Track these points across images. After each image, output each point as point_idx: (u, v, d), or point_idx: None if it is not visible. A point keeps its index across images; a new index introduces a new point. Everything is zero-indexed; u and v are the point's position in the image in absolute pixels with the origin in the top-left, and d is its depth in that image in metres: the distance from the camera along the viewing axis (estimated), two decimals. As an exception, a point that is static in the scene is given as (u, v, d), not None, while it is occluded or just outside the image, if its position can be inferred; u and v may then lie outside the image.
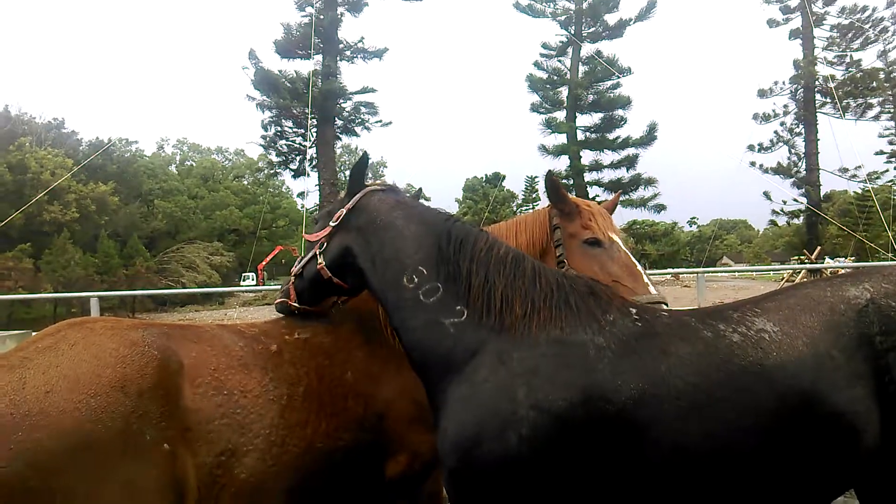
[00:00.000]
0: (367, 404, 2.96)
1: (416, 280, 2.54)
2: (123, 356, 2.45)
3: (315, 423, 2.81)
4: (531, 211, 3.53)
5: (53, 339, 2.49)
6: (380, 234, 2.72)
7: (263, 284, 52.01)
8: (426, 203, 2.93)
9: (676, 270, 17.10)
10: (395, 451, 2.98)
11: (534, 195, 78.57)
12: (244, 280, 58.23)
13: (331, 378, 2.94)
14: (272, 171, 31.81)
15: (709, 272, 16.34)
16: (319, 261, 2.88)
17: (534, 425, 2.11)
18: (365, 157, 2.94)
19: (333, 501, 2.95)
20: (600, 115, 27.94)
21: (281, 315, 3.19)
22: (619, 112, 27.70)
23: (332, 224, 2.87)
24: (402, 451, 2.98)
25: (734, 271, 20.45)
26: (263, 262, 58.25)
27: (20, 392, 2.26)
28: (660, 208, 27.53)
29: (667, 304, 2.90)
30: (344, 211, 2.85)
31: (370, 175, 3.02)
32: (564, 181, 28.77)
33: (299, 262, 3.04)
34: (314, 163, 27.06)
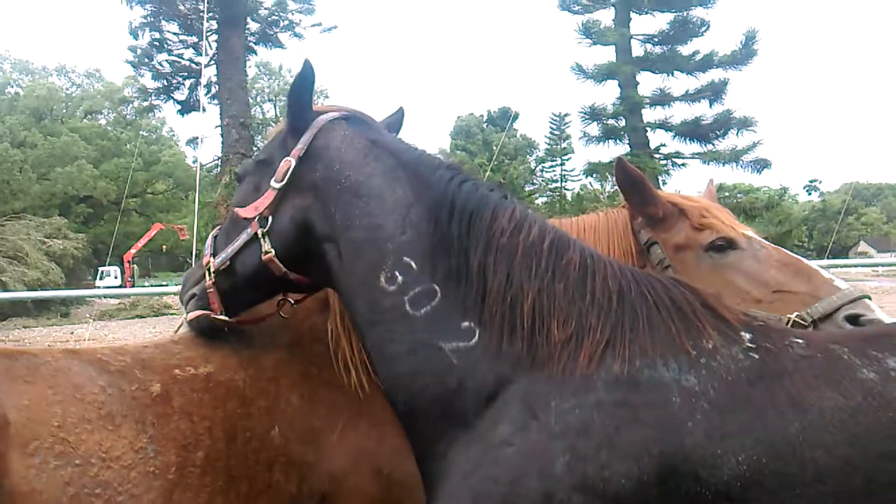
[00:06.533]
0: (305, 478, 2.99)
1: (399, 279, 2.53)
2: None
3: None
4: (600, 213, 3.58)
5: None
6: (345, 198, 2.69)
7: (133, 285, 51.68)
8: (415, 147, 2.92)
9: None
10: None
11: (563, 144, 79.03)
12: (103, 278, 57.88)
13: (247, 437, 2.95)
14: (146, 104, 31.58)
15: (838, 265, 16.44)
16: (265, 248, 2.82)
17: (580, 516, 2.11)
18: (308, 68, 2.90)
19: None
20: (668, 15, 27.92)
21: (183, 335, 3.18)
22: (698, 11, 27.69)
23: (275, 185, 2.82)
24: None
25: (877, 265, 20.65)
26: (133, 250, 57.96)
27: None
28: (762, 165, 27.66)
29: (870, 299, 2.91)
30: (293, 161, 2.81)
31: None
32: (612, 121, 28.82)
33: (221, 250, 2.99)
34: (213, 90, 26.90)
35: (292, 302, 3.16)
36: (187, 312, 3.09)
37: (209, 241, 3.09)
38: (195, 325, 3.10)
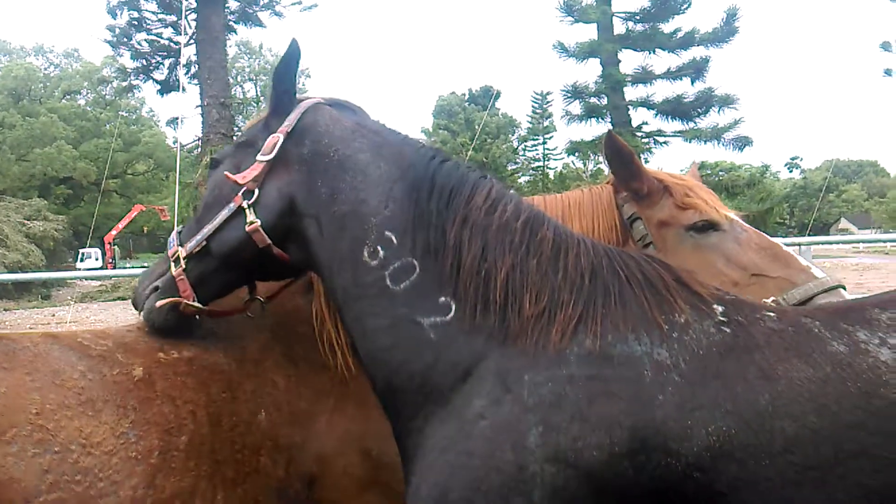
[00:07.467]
0: (292, 461, 2.98)
1: (381, 254, 2.54)
2: None
3: (208, 494, 2.80)
4: (584, 189, 3.59)
5: None
6: (332, 172, 2.70)
7: (114, 266, 51.36)
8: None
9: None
10: None
11: (545, 123, 78.79)
12: (83, 259, 57.55)
13: (232, 421, 2.93)
14: (126, 84, 31.32)
15: (818, 243, 16.46)
16: (250, 219, 2.79)
17: (553, 488, 2.14)
18: (295, 48, 2.87)
19: None
20: (650, -8, 27.80)
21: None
22: (680, -12, 27.58)
23: (263, 158, 2.80)
24: None
25: (858, 241, 20.73)
26: (114, 231, 57.57)
27: None
28: (743, 143, 27.65)
29: (845, 290, 2.96)
30: (281, 137, 2.80)
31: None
32: (594, 99, 28.75)
33: (192, 236, 2.91)
34: (193, 70, 26.68)
35: (262, 300, 3.12)
36: (151, 304, 2.96)
37: (173, 236, 3.02)
38: (162, 315, 2.95)
